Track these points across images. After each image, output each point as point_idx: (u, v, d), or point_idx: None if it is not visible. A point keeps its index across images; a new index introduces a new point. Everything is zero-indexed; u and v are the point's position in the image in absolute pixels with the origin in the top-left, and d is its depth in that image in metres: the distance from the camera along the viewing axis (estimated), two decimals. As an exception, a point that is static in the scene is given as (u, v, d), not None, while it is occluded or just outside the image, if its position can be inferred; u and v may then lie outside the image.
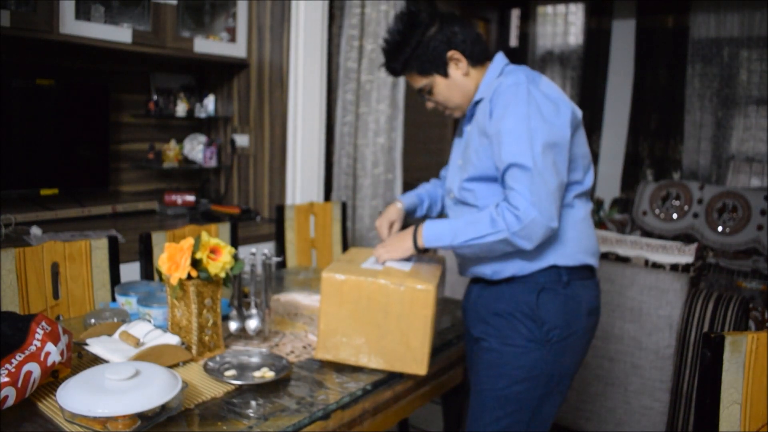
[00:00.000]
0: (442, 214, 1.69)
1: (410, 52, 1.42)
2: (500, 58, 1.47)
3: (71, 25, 2.28)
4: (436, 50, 1.42)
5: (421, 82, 1.47)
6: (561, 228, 1.39)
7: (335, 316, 1.36)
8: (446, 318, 1.78)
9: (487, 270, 1.44)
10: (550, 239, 1.38)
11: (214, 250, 1.34)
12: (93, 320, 1.46)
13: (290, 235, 2.56)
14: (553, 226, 1.30)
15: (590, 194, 1.49)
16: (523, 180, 1.29)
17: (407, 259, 1.50)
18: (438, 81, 1.45)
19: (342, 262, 1.46)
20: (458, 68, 1.44)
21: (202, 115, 3.02)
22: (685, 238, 4.00)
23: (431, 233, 1.41)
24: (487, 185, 1.41)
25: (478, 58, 1.46)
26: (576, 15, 5.14)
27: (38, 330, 1.11)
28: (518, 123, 1.30)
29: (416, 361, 1.34)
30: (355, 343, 1.35)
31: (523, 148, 1.29)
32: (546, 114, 1.31)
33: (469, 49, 1.44)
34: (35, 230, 2.34)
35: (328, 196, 3.24)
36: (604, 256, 2.36)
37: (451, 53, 1.42)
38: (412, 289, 1.32)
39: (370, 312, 1.34)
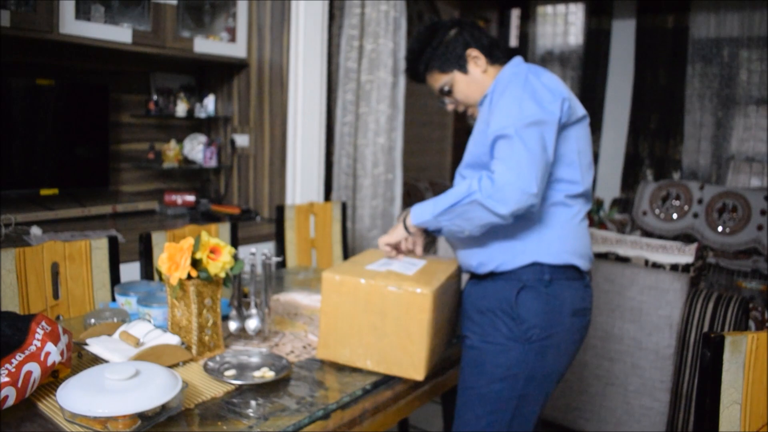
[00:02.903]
0: None
1: (431, 52, 1.51)
2: (518, 60, 1.51)
3: (71, 25, 2.28)
4: (456, 48, 1.50)
5: (441, 80, 1.53)
6: (547, 224, 1.39)
7: (334, 317, 1.36)
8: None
9: (473, 261, 1.46)
10: (533, 233, 1.39)
11: (214, 250, 1.34)
12: (93, 320, 1.46)
13: (290, 235, 2.56)
14: (531, 192, 1.27)
15: (590, 196, 1.49)
16: (505, 147, 1.31)
17: (415, 262, 1.48)
18: (458, 78, 1.52)
19: (348, 263, 1.46)
20: (477, 65, 1.51)
21: (202, 115, 3.02)
22: (685, 238, 4.00)
23: (417, 210, 1.45)
24: (479, 172, 1.41)
25: (497, 57, 1.52)
26: (576, 15, 5.14)
27: (38, 330, 1.11)
28: (511, 102, 1.35)
29: (414, 366, 1.32)
30: (354, 344, 1.35)
31: (509, 122, 1.32)
32: (539, 98, 1.34)
33: (487, 48, 1.51)
34: (35, 230, 2.34)
35: (328, 196, 3.24)
36: (604, 256, 2.36)
37: (470, 51, 1.50)
38: (409, 293, 1.30)
39: (368, 314, 1.33)
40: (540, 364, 1.39)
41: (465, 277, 1.63)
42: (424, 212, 1.43)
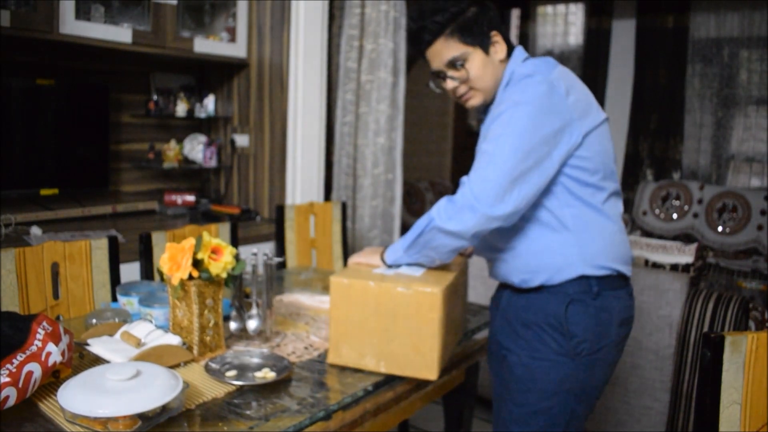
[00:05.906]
0: None
1: (450, 17, 1.33)
2: (520, 51, 1.41)
3: (71, 25, 2.28)
4: (483, 25, 1.35)
5: (457, 50, 1.35)
6: (586, 234, 1.33)
7: (344, 321, 1.35)
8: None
9: (515, 279, 1.40)
10: (573, 246, 1.32)
11: (215, 251, 1.34)
12: (94, 320, 1.46)
13: (290, 235, 2.56)
14: (492, 214, 1.22)
15: (620, 193, 1.41)
16: (478, 161, 1.26)
17: (420, 265, 1.48)
18: (477, 56, 1.36)
19: (355, 268, 1.46)
20: (497, 52, 1.38)
21: (202, 115, 3.01)
22: (685, 238, 4.00)
23: (391, 248, 1.43)
24: None
25: (509, 48, 1.40)
26: (576, 15, 5.13)
27: (39, 330, 1.11)
28: (511, 113, 1.26)
29: (427, 366, 1.32)
30: (365, 347, 1.34)
31: (496, 134, 1.25)
32: (545, 106, 1.25)
33: (506, 36, 1.38)
34: (35, 230, 2.34)
35: (328, 196, 3.24)
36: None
37: (494, 34, 1.37)
38: (419, 293, 1.30)
39: (378, 316, 1.33)
40: (589, 378, 1.34)
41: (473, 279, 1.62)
42: (396, 249, 1.41)
